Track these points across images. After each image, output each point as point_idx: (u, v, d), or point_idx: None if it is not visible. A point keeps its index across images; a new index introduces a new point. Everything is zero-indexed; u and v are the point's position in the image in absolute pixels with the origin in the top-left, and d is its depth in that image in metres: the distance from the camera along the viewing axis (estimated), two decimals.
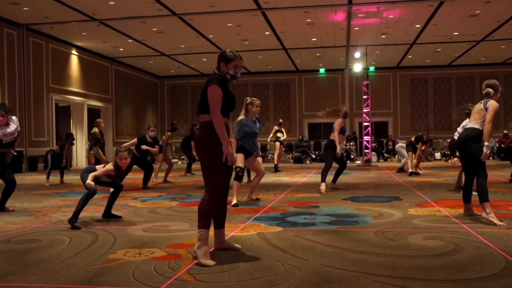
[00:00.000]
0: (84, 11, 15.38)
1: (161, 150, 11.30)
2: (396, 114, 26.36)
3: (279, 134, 15.06)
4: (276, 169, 14.79)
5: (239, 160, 7.07)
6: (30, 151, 16.90)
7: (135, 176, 12.18)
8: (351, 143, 22.58)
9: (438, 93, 26.33)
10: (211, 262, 3.59)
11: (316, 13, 16.15)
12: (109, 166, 5.67)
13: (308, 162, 21.50)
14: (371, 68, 23.41)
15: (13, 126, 6.71)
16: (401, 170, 13.90)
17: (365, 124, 19.30)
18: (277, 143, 15.13)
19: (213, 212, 3.81)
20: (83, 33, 18.13)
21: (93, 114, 21.15)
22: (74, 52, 19.87)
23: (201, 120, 3.87)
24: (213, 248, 4.05)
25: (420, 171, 12.92)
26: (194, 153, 13.39)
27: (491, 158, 21.54)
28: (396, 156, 18.79)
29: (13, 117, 6.80)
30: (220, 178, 3.80)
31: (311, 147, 23.17)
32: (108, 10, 15.34)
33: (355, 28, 18.09)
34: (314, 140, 24.73)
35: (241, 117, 7.19)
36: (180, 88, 28.28)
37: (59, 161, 11.58)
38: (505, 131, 22.16)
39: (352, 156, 21.84)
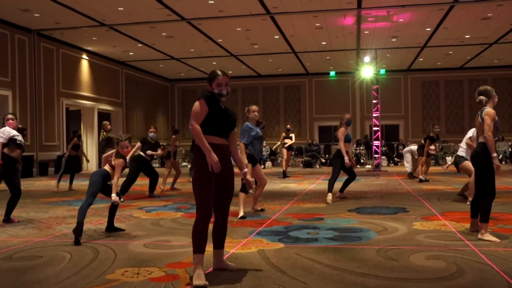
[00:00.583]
0: (94, 16, 15.47)
1: (169, 156, 11.30)
2: (407, 117, 26.16)
3: (286, 140, 15.02)
4: (284, 175, 14.73)
5: (248, 171, 6.97)
6: (40, 155, 17.02)
7: (142, 182, 12.19)
8: (361, 147, 22.44)
9: (450, 96, 26.09)
10: (202, 283, 3.54)
11: (325, 17, 16.08)
12: (117, 161, 5.62)
13: (318, 167, 21.41)
14: (382, 71, 23.24)
15: None
16: (411, 175, 13.78)
17: (375, 128, 19.17)
18: (284, 149, 15.12)
19: (205, 235, 3.75)
20: (93, 38, 18.23)
21: (104, 118, 21.23)
22: (84, 56, 19.99)
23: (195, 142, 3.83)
24: (211, 269, 4.03)
25: (422, 177, 12.57)
26: None
27: (503, 162, 21.29)
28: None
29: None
30: (209, 200, 3.75)
31: (321, 151, 23.06)
32: (118, 16, 15.40)
33: (365, 32, 17.98)
34: (324, 144, 24.61)
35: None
36: (190, 91, 28.32)
37: (73, 164, 11.69)
38: None
39: (362, 161, 21.70)
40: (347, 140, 8.70)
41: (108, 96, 21.74)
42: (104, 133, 13.16)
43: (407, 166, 14.00)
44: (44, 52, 17.55)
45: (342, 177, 9.11)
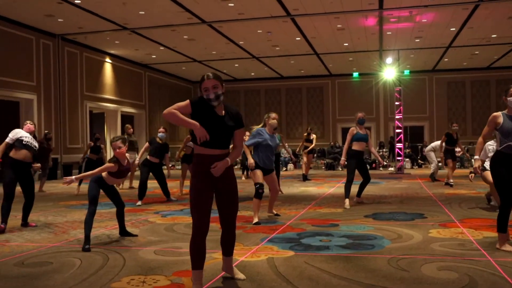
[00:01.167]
0: (116, 20, 15.64)
1: (187, 161, 10.76)
2: (432, 119, 25.75)
3: (307, 144, 14.90)
4: (304, 178, 14.61)
5: (259, 176, 6.91)
6: (65, 158, 17.28)
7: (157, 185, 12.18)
8: (384, 149, 22.14)
9: (477, 96, 25.59)
10: None
11: (346, 19, 15.94)
12: (107, 163, 5.55)
13: (340, 169, 21.21)
14: (406, 72, 22.93)
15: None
16: (433, 177, 13.53)
17: (397, 130, 18.91)
18: (304, 152, 15.04)
19: (202, 251, 3.57)
20: (116, 42, 18.43)
21: (127, 120, 21.48)
22: (107, 60, 20.23)
23: None
24: (223, 273, 4.08)
25: (450, 182, 12.29)
26: None
27: None
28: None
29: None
30: (205, 216, 3.56)
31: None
32: (139, 20, 15.54)
33: (388, 33, 17.76)
34: None
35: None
36: None
37: (94, 168, 11.77)
38: None
39: (385, 163, 21.42)
40: (357, 139, 8.47)
41: (131, 98, 21.96)
42: (126, 136, 13.25)
43: (432, 166, 13.70)
44: (68, 56, 17.82)
45: (359, 179, 8.96)
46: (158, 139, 9.70)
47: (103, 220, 7.28)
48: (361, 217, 7.22)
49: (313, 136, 15.05)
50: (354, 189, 8.87)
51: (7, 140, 6.69)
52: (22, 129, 7.00)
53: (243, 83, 27.74)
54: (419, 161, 22.26)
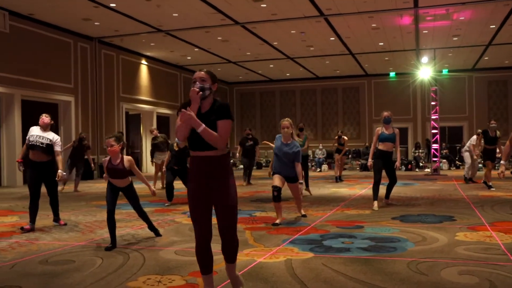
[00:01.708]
0: (151, 23, 15.88)
1: None
2: (472, 119, 25.04)
3: (339, 147, 14.83)
4: (337, 180, 14.49)
5: (274, 179, 6.83)
6: (101, 158, 17.64)
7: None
8: (420, 150, 21.69)
9: None
10: None
11: (381, 18, 15.70)
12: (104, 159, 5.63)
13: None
14: (445, 71, 22.40)
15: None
16: (466, 178, 13.16)
17: (433, 131, 18.50)
18: (337, 155, 14.99)
19: (206, 258, 3.43)
20: (151, 44, 18.72)
21: (163, 121, 21.80)
22: (143, 62, 20.57)
23: None
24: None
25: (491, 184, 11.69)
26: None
27: None
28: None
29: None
30: (201, 227, 3.39)
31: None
32: (173, 22, 15.73)
33: (424, 31, 17.39)
34: None
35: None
36: (249, 94, 28.51)
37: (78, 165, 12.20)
38: None
39: (421, 164, 20.98)
40: (382, 139, 8.29)
41: (167, 100, 22.26)
42: (152, 138, 13.52)
43: (466, 168, 13.34)
44: (105, 58, 18.22)
45: (386, 181, 8.80)
46: (175, 146, 9.46)
47: (130, 220, 7.41)
48: (388, 219, 7.09)
49: (344, 138, 14.93)
50: (383, 190, 8.72)
51: (26, 141, 6.78)
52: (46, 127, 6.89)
53: (278, 84, 27.70)
54: (457, 162, 21.71)
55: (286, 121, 6.85)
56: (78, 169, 12.37)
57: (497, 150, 12.34)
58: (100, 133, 17.73)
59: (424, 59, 19.03)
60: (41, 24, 15.31)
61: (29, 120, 12.62)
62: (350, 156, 23.19)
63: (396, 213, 7.73)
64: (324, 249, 5.16)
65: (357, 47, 19.78)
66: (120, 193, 5.66)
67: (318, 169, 21.54)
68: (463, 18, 15.79)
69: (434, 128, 18.44)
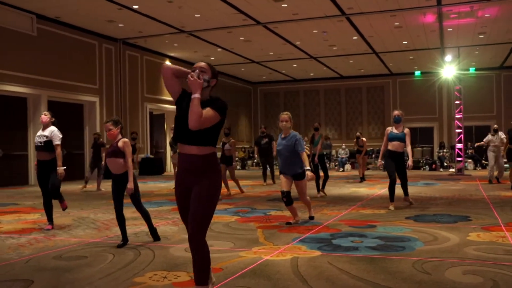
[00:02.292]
0: (173, 24, 16.08)
1: (226, 162, 10.73)
2: (500, 118, 24.50)
3: (359, 148, 14.84)
4: (362, 180, 14.45)
5: (281, 183, 6.70)
6: None
7: None
8: (445, 150, 21.38)
9: None
10: None
11: (403, 16, 15.55)
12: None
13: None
14: (472, 69, 22.01)
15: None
16: (491, 180, 12.92)
17: (457, 130, 18.22)
18: (358, 156, 15.07)
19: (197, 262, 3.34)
20: (175, 44, 18.94)
21: None
22: (167, 62, 20.81)
23: None
24: (242, 271, 4.13)
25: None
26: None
27: None
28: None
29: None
30: (184, 221, 3.45)
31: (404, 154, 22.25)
32: (195, 22, 15.89)
33: (448, 30, 17.16)
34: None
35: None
36: (273, 93, 28.55)
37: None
38: None
39: (445, 164, 20.68)
40: (391, 138, 8.17)
41: None
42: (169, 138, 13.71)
43: (489, 170, 13.11)
44: (129, 59, 18.52)
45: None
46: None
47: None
48: (401, 219, 7.06)
49: (363, 140, 14.88)
50: (400, 190, 8.65)
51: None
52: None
53: (302, 83, 27.67)
54: (483, 161, 21.31)
55: (285, 115, 6.66)
56: (99, 169, 12.60)
57: None
58: (124, 133, 17.96)
59: (448, 57, 18.75)
60: (67, 27, 15.66)
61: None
62: (373, 155, 23.01)
63: (411, 213, 7.68)
64: (332, 247, 5.18)
65: (381, 46, 19.63)
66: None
67: (341, 169, 21.44)
68: (488, 15, 15.53)
69: (459, 127, 18.15)
